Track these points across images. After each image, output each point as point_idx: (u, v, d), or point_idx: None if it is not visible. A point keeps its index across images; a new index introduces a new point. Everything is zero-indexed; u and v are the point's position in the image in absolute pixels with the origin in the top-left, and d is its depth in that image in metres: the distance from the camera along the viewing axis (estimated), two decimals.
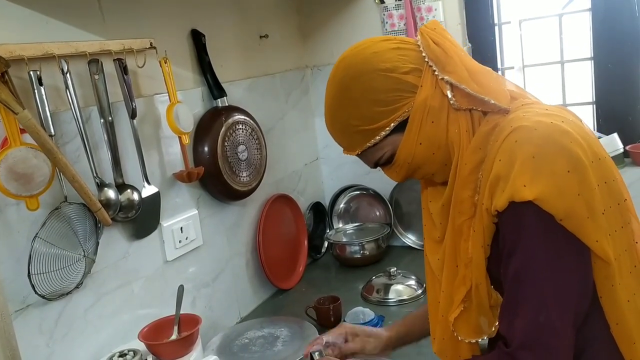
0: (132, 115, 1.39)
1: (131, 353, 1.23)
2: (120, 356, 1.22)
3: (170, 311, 1.44)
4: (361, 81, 0.92)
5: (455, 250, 0.96)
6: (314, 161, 2.35)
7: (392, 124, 0.92)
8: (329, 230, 2.31)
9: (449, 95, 0.91)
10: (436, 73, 0.91)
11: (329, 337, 1.19)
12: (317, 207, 2.30)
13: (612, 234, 0.85)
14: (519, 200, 0.81)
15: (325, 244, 2.30)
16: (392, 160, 0.97)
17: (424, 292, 1.83)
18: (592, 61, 2.05)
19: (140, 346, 1.28)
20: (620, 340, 0.88)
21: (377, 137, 0.93)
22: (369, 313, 1.67)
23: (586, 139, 0.86)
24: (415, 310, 1.30)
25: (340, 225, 2.34)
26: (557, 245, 0.82)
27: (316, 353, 1.13)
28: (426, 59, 0.92)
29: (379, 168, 1.01)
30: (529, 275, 0.83)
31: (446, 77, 0.91)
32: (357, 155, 0.98)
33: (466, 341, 0.98)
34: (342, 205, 2.37)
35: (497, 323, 0.94)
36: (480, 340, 0.98)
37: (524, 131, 0.84)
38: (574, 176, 0.81)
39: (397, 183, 2.18)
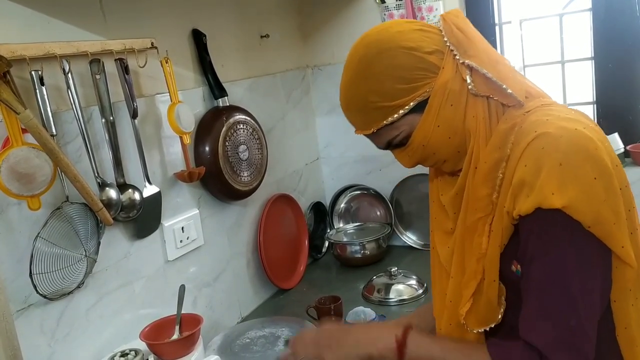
0: (134, 115, 1.39)
1: (132, 353, 1.23)
2: (121, 356, 1.22)
3: (172, 311, 1.44)
4: (384, 57, 0.91)
5: (466, 243, 0.96)
6: (314, 161, 2.35)
7: (412, 103, 0.92)
8: (330, 230, 2.31)
9: (468, 80, 0.91)
10: (457, 57, 0.91)
11: None
12: (317, 207, 2.30)
13: (630, 238, 0.86)
14: (547, 208, 0.81)
15: (326, 243, 2.30)
16: (406, 143, 0.96)
17: (424, 291, 1.83)
18: (593, 61, 2.05)
19: (142, 346, 1.28)
20: (624, 343, 0.89)
21: (395, 115, 0.92)
22: (369, 313, 1.67)
23: (605, 145, 0.87)
24: (417, 308, 1.29)
25: (341, 225, 2.34)
26: (584, 251, 0.83)
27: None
28: (448, 43, 0.92)
29: (389, 152, 1.01)
30: (558, 281, 0.84)
31: (467, 61, 0.91)
32: (371, 134, 0.97)
33: (474, 331, 0.98)
34: (342, 205, 2.37)
35: (502, 310, 0.95)
36: (491, 327, 0.97)
37: (550, 138, 0.84)
38: (600, 182, 0.82)
39: (398, 182, 2.19)
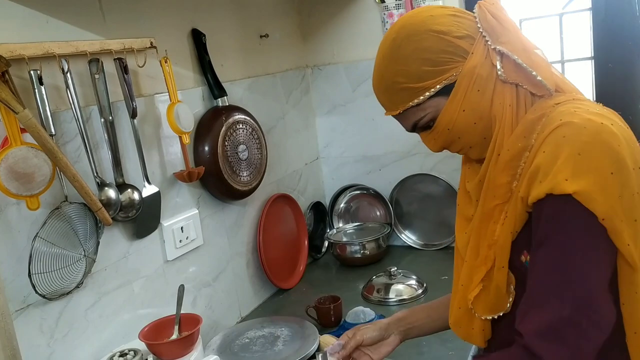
0: (133, 114, 1.39)
1: (132, 353, 1.23)
2: (120, 356, 1.22)
3: (171, 311, 1.44)
4: (413, 40, 0.92)
5: (482, 230, 0.96)
6: (314, 161, 2.35)
7: (438, 86, 0.92)
8: (330, 230, 2.31)
9: (498, 66, 0.91)
10: (489, 43, 0.92)
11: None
12: (317, 207, 2.30)
13: (637, 244, 0.85)
14: (559, 193, 0.81)
15: (326, 243, 2.30)
16: (431, 126, 0.97)
17: (424, 291, 1.83)
18: (593, 61, 2.05)
19: (141, 346, 1.27)
20: (635, 348, 0.88)
21: (422, 97, 0.93)
22: (369, 312, 1.67)
23: (631, 146, 0.86)
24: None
25: (341, 224, 2.34)
26: (592, 242, 0.82)
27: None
28: (480, 30, 0.92)
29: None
30: (559, 269, 0.83)
31: (498, 47, 0.91)
32: (398, 115, 0.98)
33: (488, 318, 0.98)
34: (342, 205, 2.37)
35: (511, 299, 0.94)
36: (500, 315, 0.97)
37: (574, 127, 0.83)
38: (617, 178, 0.81)
39: (397, 182, 2.19)
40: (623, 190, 0.81)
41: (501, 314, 0.96)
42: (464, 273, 1.01)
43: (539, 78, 0.91)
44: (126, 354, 1.22)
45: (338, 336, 1.53)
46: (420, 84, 0.93)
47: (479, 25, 0.93)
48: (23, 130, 1.12)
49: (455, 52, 0.92)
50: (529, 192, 0.86)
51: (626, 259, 0.83)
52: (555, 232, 0.83)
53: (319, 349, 1.15)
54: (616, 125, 0.86)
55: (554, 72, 0.96)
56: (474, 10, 0.96)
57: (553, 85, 0.93)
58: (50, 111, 1.19)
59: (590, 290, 0.82)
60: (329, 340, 1.48)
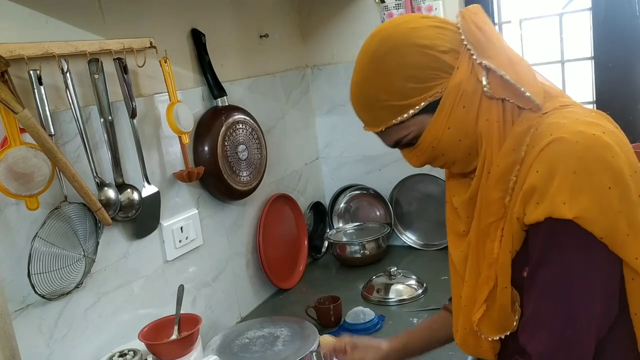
0: (132, 114, 1.38)
1: (131, 353, 1.22)
2: (120, 356, 1.22)
3: (171, 311, 1.44)
4: (397, 54, 0.88)
5: (480, 248, 0.95)
6: (314, 161, 2.35)
7: (423, 103, 0.89)
8: (329, 230, 2.31)
9: (484, 82, 0.88)
10: (474, 57, 0.88)
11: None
12: (317, 207, 2.30)
13: None
14: (558, 217, 0.79)
15: (326, 243, 2.29)
16: (415, 143, 0.94)
17: (424, 291, 1.83)
18: (593, 60, 2.05)
19: (141, 346, 1.27)
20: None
21: (405, 115, 0.90)
22: (369, 313, 1.67)
23: (625, 150, 0.84)
24: (417, 324, 1.27)
25: (341, 225, 2.34)
26: (592, 261, 0.81)
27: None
28: (465, 42, 0.89)
29: (397, 150, 0.98)
30: (560, 288, 0.82)
31: (485, 62, 0.87)
32: (380, 132, 0.94)
33: (489, 339, 0.97)
34: (342, 205, 2.37)
35: (517, 317, 0.93)
36: (507, 334, 0.96)
37: (566, 144, 0.81)
38: (616, 192, 0.79)
39: (397, 182, 2.19)
40: (623, 204, 0.80)
41: (508, 333, 0.95)
42: (466, 294, 0.99)
43: (527, 94, 0.88)
44: (126, 354, 1.22)
45: (338, 336, 1.53)
46: (404, 101, 0.89)
47: (462, 38, 0.89)
48: (22, 130, 1.12)
49: (441, 68, 0.88)
50: (524, 213, 0.84)
51: (637, 270, 0.82)
52: (555, 254, 0.82)
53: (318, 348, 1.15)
54: (608, 132, 0.83)
55: (539, 81, 0.93)
56: (457, 20, 0.92)
57: (541, 97, 0.90)
58: (49, 111, 1.19)
59: (592, 308, 0.82)
60: (328, 340, 1.48)
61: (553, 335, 0.83)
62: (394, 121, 0.91)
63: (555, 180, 0.79)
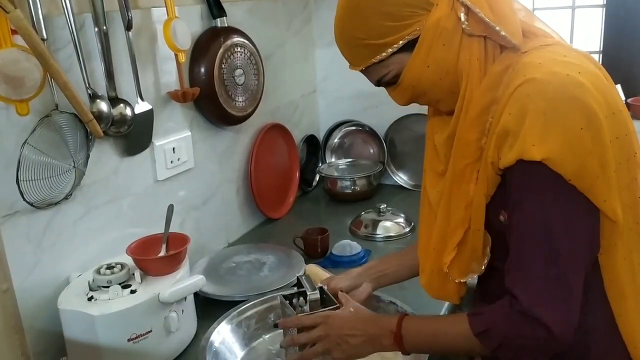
0: (128, 26, 1.33)
1: (119, 266, 1.23)
2: (107, 268, 1.22)
3: (159, 230, 1.43)
4: None
5: (454, 190, 0.94)
6: (311, 93, 2.31)
7: (401, 42, 0.88)
8: (322, 164, 2.30)
9: (462, 19, 0.86)
10: None
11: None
12: (311, 140, 2.28)
13: (621, 192, 0.84)
14: (528, 159, 0.79)
15: (317, 177, 2.29)
16: (396, 81, 0.93)
17: (411, 230, 1.84)
18: (604, 8, 2.00)
19: (128, 261, 1.28)
20: (612, 295, 0.89)
21: (384, 54, 0.89)
22: (356, 246, 1.69)
23: (603, 91, 0.83)
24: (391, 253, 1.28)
25: (333, 159, 2.33)
26: (566, 202, 0.81)
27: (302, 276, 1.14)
28: None
29: (382, 88, 0.98)
30: (539, 230, 0.82)
31: None
32: (361, 71, 0.95)
33: (456, 281, 0.99)
34: (336, 140, 2.35)
35: (485, 261, 0.95)
36: (473, 277, 0.99)
37: (537, 84, 0.80)
38: (588, 133, 0.79)
39: (393, 121, 2.17)
40: (595, 145, 0.79)
41: (475, 277, 0.97)
42: (436, 236, 1.00)
43: (502, 33, 0.86)
44: (113, 267, 1.22)
45: (324, 267, 1.55)
46: (381, 40, 0.88)
47: None
48: (14, 32, 1.07)
49: (418, 5, 0.86)
50: (498, 157, 0.84)
51: (604, 212, 0.82)
52: (529, 196, 0.82)
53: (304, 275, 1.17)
54: (584, 72, 0.82)
55: (518, 19, 0.90)
56: None
57: (518, 37, 0.88)
58: (42, 14, 1.14)
59: (571, 245, 0.82)
60: (314, 270, 1.49)
61: (536, 276, 0.83)
62: (373, 60, 0.91)
63: (525, 121, 0.79)
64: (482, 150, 0.88)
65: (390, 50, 0.89)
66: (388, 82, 0.94)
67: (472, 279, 1.01)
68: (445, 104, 0.95)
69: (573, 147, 0.78)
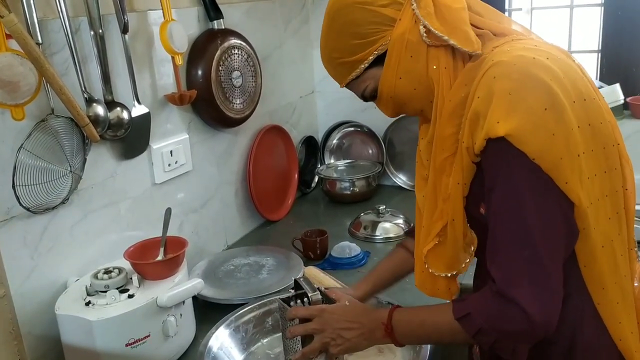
0: (124, 30, 1.33)
1: (116, 271, 1.22)
2: (105, 273, 1.21)
3: (157, 234, 1.42)
4: (342, 14, 0.93)
5: (437, 185, 0.96)
6: (309, 94, 2.30)
7: (370, 57, 0.93)
8: (320, 165, 2.30)
9: (421, 31, 0.90)
10: (413, 7, 0.90)
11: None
12: (309, 141, 2.27)
13: (591, 178, 0.84)
14: (494, 137, 0.81)
15: (316, 178, 2.29)
16: (376, 95, 0.97)
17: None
18: (602, 7, 1.99)
19: (126, 265, 1.27)
20: (590, 282, 0.89)
21: (357, 70, 0.95)
22: (355, 248, 1.68)
23: (572, 78, 0.84)
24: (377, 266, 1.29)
25: (332, 161, 2.33)
26: (536, 183, 0.81)
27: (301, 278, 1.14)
28: None
29: (371, 102, 1.01)
30: (511, 211, 0.83)
31: (416, 11, 0.90)
32: (346, 87, 1.00)
33: (442, 275, 1.00)
34: (335, 141, 2.35)
35: (468, 260, 0.97)
36: (454, 274, 1.00)
37: (503, 66, 0.83)
38: (551, 114, 0.80)
39: (392, 121, 2.16)
40: (558, 127, 0.80)
41: (455, 273, 0.99)
42: (422, 236, 1.02)
43: (451, 42, 0.89)
44: (111, 272, 1.22)
45: (323, 269, 1.54)
46: (352, 57, 0.94)
47: None
48: (8, 37, 1.07)
49: (382, 22, 0.91)
50: (473, 141, 0.85)
51: (566, 194, 0.82)
52: (500, 177, 0.83)
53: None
54: (553, 59, 0.84)
55: (497, 25, 0.93)
56: None
57: (473, 46, 0.89)
58: (37, 18, 1.14)
59: (544, 225, 0.82)
60: (313, 272, 1.49)
61: (511, 257, 0.83)
62: (350, 77, 0.97)
63: (493, 102, 0.81)
64: (459, 142, 0.90)
65: (363, 66, 0.94)
66: (369, 96, 0.99)
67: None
68: (429, 113, 0.97)
69: (536, 126, 0.79)
